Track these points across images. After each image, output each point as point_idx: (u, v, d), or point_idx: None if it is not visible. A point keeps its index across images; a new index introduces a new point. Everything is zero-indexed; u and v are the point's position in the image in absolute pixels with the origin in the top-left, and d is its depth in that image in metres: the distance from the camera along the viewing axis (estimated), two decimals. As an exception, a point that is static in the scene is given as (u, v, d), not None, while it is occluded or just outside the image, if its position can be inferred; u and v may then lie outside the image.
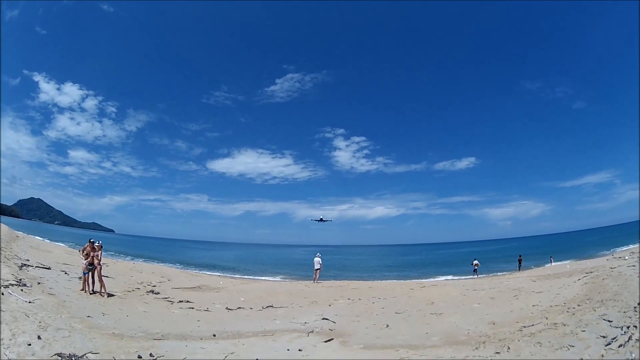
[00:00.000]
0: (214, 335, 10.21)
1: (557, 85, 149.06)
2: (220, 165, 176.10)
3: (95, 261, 14.41)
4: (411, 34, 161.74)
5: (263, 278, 34.16)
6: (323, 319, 12.53)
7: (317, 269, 26.51)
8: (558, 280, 18.22)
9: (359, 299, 16.98)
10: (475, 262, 33.43)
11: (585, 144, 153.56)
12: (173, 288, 19.91)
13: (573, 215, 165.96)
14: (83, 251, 14.62)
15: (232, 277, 32.59)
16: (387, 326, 11.23)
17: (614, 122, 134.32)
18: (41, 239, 40.77)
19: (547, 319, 9.58)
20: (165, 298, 16.49)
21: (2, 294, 9.64)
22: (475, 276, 31.26)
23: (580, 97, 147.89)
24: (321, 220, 56.76)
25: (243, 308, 15.38)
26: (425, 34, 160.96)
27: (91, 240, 14.96)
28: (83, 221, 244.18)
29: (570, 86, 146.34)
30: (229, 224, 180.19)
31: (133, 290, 17.14)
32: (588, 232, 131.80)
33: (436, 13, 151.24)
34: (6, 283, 10.94)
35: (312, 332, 10.73)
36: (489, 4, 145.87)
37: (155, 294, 17.26)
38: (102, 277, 14.73)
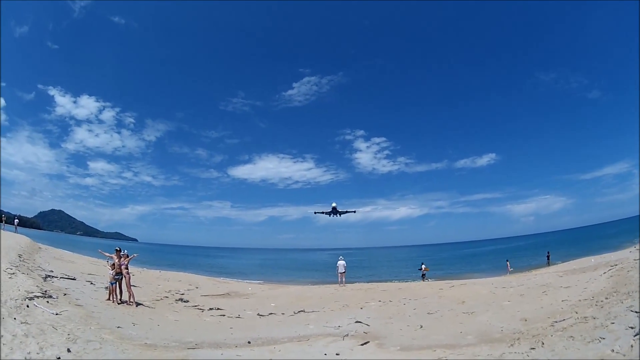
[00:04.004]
0: (249, 342, 10.21)
1: (571, 75, 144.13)
2: (242, 171, 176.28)
3: (124, 270, 14.18)
4: (425, 31, 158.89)
5: (291, 283, 33.69)
6: (356, 322, 12.51)
7: (342, 273, 26.63)
8: (584, 274, 18.02)
9: (390, 301, 16.97)
10: (424, 266, 31.54)
11: (603, 134, 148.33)
12: (202, 296, 19.91)
13: (594, 208, 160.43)
14: (113, 265, 14.23)
15: (259, 283, 32.28)
16: (421, 327, 11.24)
17: (629, 110, 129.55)
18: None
19: (577, 313, 9.67)
20: (195, 306, 16.50)
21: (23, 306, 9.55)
22: (425, 281, 29.17)
23: (595, 86, 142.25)
24: (334, 211, 43.23)
25: (275, 314, 15.39)
26: (438, 30, 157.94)
27: (117, 249, 14.72)
28: (106, 231, 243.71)
29: (585, 75, 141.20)
30: (253, 229, 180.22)
31: (162, 299, 17.09)
32: (609, 224, 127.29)
33: (449, 10, 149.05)
34: (31, 295, 10.73)
35: (347, 335, 10.76)
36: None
37: (185, 302, 17.23)
38: (131, 286, 14.47)
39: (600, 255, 31.17)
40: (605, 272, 16.00)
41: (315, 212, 45.24)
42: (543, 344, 7.60)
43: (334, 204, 43.98)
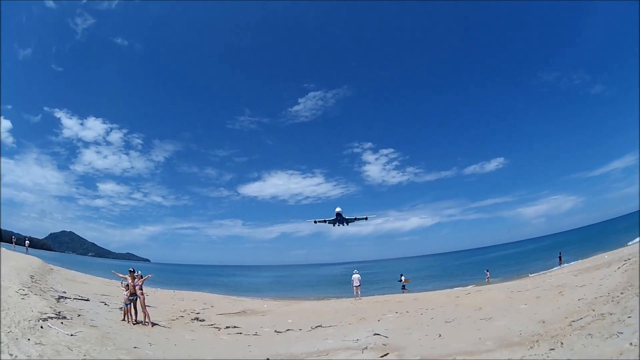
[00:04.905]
0: None
1: (573, 72, 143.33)
2: (252, 189, 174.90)
3: (138, 291, 13.92)
4: (426, 40, 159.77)
5: (306, 298, 33.14)
6: (374, 334, 12.38)
7: (357, 286, 26.34)
8: (599, 271, 17.73)
9: (407, 312, 16.82)
10: (403, 278, 30.67)
11: (608, 128, 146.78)
12: (217, 314, 19.50)
13: (604, 204, 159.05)
14: (127, 286, 13.95)
15: (274, 300, 31.52)
16: (440, 336, 11.12)
17: (632, 102, 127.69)
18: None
19: (594, 310, 9.56)
20: (212, 325, 16.16)
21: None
22: (405, 292, 28.52)
23: (597, 81, 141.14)
24: (340, 218, 36.73)
25: (292, 330, 15.16)
26: (439, 40, 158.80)
27: (131, 270, 14.42)
28: (117, 252, 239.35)
29: (587, 71, 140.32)
30: (265, 246, 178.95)
31: (177, 319, 16.77)
32: (620, 219, 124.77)
33: (449, 18, 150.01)
34: (45, 316, 10.55)
35: (366, 348, 10.65)
36: (497, 5, 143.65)
37: (201, 321, 16.92)
38: (146, 307, 14.23)
39: (613, 250, 30.67)
40: (619, 267, 15.76)
41: (315, 221, 39.13)
42: (562, 344, 7.49)
43: (338, 209, 37.42)
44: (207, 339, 13.29)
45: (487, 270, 35.41)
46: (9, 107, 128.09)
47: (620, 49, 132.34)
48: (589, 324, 8.33)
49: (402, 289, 29.89)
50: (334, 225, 37.95)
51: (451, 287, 30.94)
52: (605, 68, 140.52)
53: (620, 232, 58.45)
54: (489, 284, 30.84)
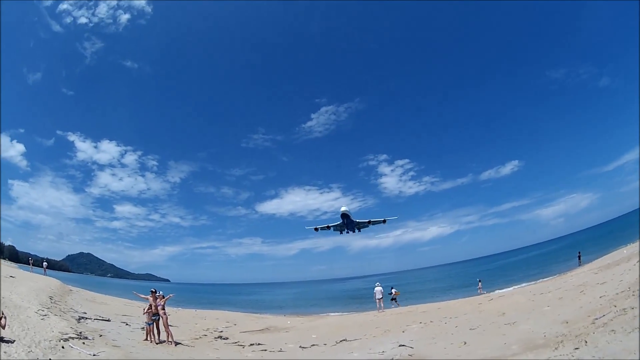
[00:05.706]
0: (294, 376, 9.88)
1: (580, 67, 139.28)
2: (270, 206, 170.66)
3: (160, 311, 13.90)
4: (430, 47, 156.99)
5: (329, 313, 32.40)
6: (400, 345, 12.26)
7: (380, 298, 26.03)
8: (618, 267, 17.35)
9: (431, 321, 16.57)
10: (394, 290, 28.70)
11: (617, 121, 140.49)
12: (241, 332, 19.30)
13: (620, 198, 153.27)
14: (150, 306, 13.93)
15: (297, 316, 30.78)
16: (465, 343, 11.04)
17: (636, 92, 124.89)
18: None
19: (615, 306, 9.47)
20: (235, 342, 15.95)
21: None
22: (396, 305, 27.39)
23: (604, 73, 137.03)
24: (348, 222, 30.66)
25: (317, 345, 14.97)
26: (444, 47, 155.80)
27: (153, 290, 14.49)
28: (137, 273, 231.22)
29: (594, 64, 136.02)
30: (285, 263, 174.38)
31: (200, 337, 16.64)
32: (635, 212, 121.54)
33: (454, 24, 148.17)
34: (66, 336, 10.52)
35: (392, 359, 10.64)
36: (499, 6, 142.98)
37: (224, 339, 16.72)
38: (168, 326, 14.16)
39: (633, 244, 29.94)
40: (638, 261, 15.48)
41: (316, 229, 33.25)
42: (586, 342, 7.47)
43: (343, 209, 30.69)
44: (232, 357, 13.24)
45: (480, 280, 34.26)
46: (22, 130, 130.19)
47: (623, 38, 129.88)
48: (612, 320, 8.29)
49: (392, 301, 28.44)
50: (341, 232, 31.52)
51: (473, 295, 30.38)
52: (610, 59, 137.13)
53: (635, 225, 56.86)
54: (480, 294, 29.72)
